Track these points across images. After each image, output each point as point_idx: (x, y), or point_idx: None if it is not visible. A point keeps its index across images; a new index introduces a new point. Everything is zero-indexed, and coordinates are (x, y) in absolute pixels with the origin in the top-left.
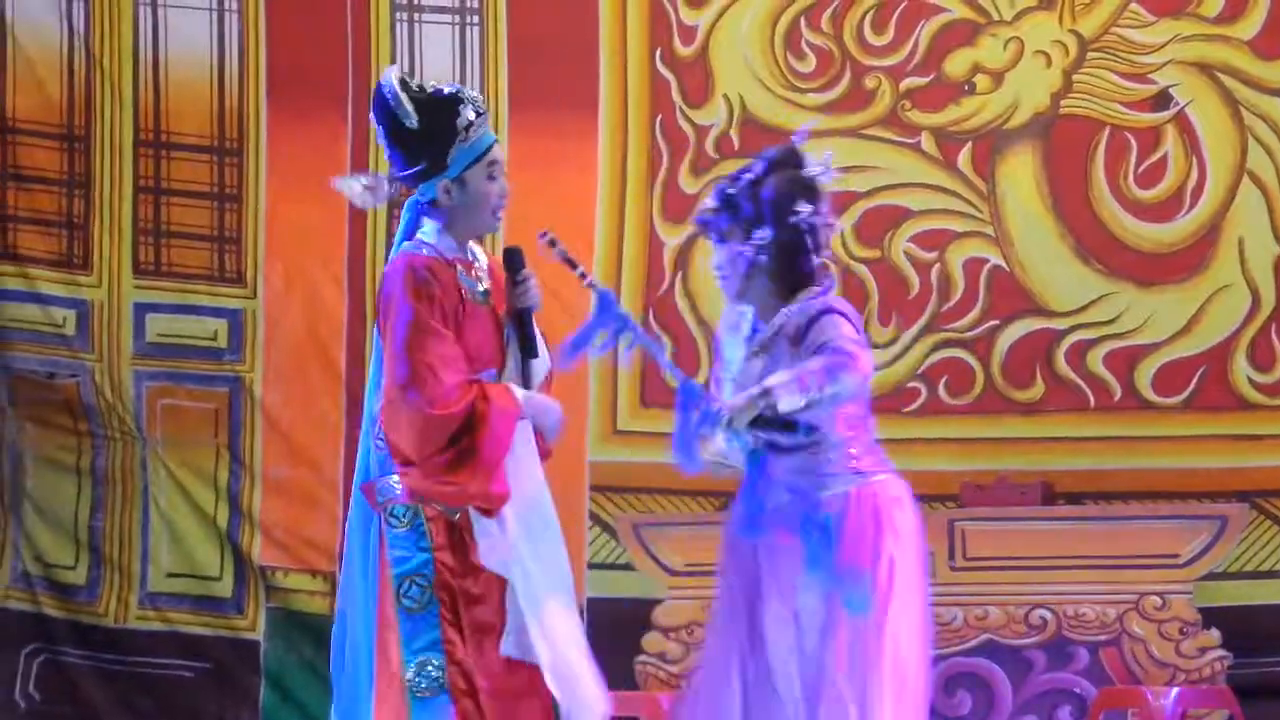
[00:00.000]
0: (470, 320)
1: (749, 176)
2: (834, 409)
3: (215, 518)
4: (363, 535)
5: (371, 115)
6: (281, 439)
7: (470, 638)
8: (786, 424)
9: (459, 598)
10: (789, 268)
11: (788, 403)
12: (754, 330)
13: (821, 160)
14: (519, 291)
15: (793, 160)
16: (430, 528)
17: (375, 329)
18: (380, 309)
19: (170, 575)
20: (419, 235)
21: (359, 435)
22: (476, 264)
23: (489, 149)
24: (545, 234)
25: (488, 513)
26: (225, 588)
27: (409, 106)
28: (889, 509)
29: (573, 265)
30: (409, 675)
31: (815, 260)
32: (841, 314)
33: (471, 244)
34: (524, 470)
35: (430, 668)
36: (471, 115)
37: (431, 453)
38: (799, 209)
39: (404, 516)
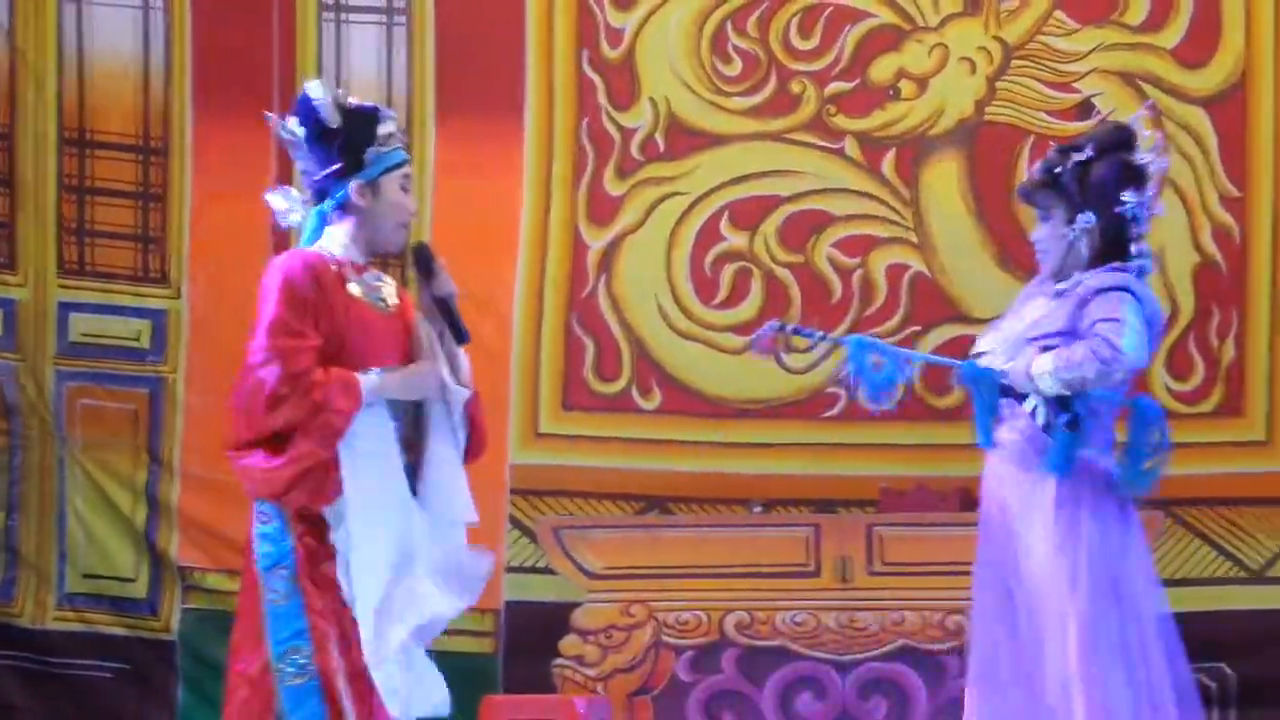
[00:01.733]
0: (358, 323)
1: (1079, 157)
2: (1092, 397)
3: (133, 519)
4: None
5: (293, 119)
6: (203, 440)
7: (334, 623)
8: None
9: (321, 583)
10: (1107, 251)
11: (1049, 386)
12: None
13: (1154, 145)
14: (437, 283)
15: (1124, 143)
16: (291, 518)
17: None
18: (259, 298)
19: (87, 576)
20: (320, 242)
21: None
22: (382, 282)
23: (404, 163)
24: (776, 328)
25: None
26: (140, 589)
27: (333, 108)
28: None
29: (807, 334)
30: (277, 665)
31: (1135, 245)
32: (1135, 296)
33: (377, 270)
34: (369, 464)
35: (298, 655)
36: (391, 127)
37: (250, 439)
38: (1125, 197)
39: (270, 510)
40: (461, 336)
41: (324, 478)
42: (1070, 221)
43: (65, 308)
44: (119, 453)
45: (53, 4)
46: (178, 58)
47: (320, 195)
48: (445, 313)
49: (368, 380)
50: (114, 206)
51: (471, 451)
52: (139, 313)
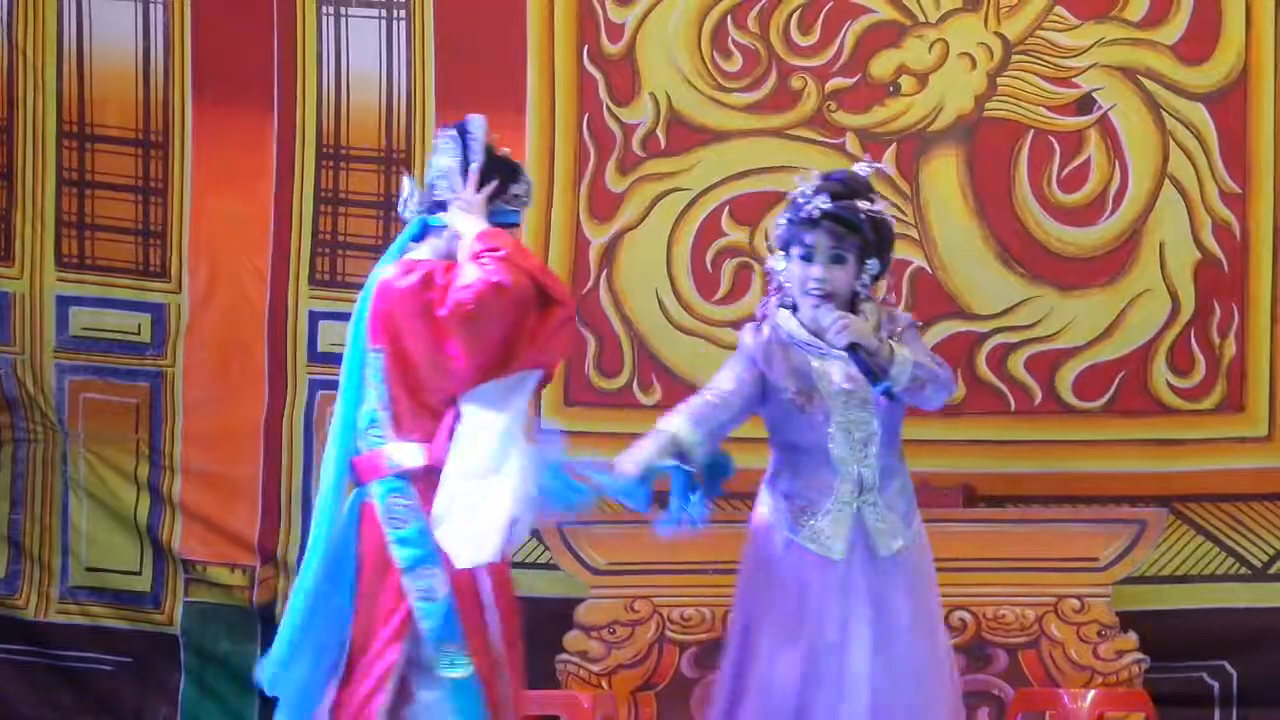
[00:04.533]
0: None
1: (870, 207)
2: (917, 401)
3: (135, 512)
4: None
5: (453, 135)
6: (203, 434)
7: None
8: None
9: (465, 583)
10: (859, 294)
11: (900, 367)
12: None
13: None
14: None
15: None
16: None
17: (352, 331)
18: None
19: (90, 569)
20: (418, 252)
21: (279, 430)
22: None
23: (513, 226)
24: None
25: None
26: (144, 582)
27: (482, 149)
28: None
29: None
30: (441, 662)
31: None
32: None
33: None
34: None
35: (456, 651)
36: (522, 191)
37: None
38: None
39: (407, 516)
40: None
41: None
42: (861, 267)
43: (65, 301)
44: (121, 446)
45: None
46: (178, 51)
47: (436, 206)
48: None
49: None
50: (114, 200)
51: None
52: (139, 306)
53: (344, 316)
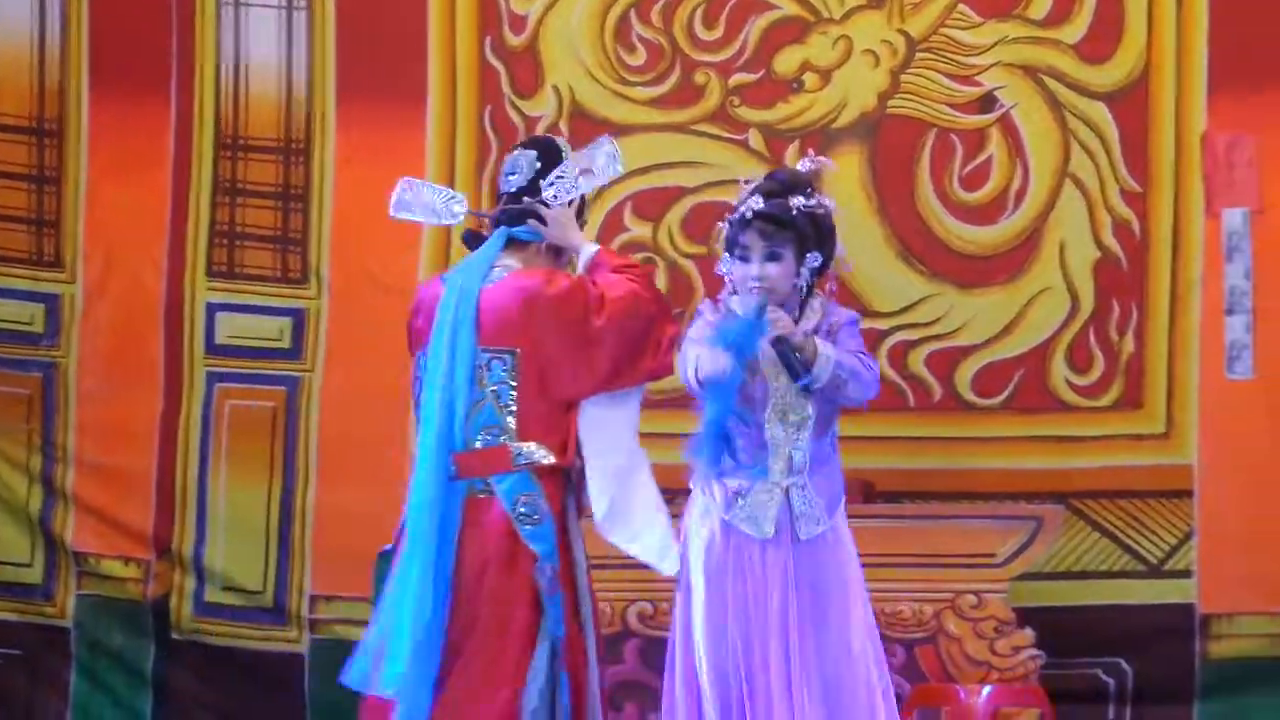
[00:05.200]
0: None
1: (804, 202)
2: (838, 398)
3: (27, 503)
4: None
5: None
6: (97, 425)
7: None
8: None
9: (570, 586)
10: (811, 288)
11: (822, 366)
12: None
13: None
14: None
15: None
16: (558, 525)
17: (452, 332)
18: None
19: None
20: (506, 261)
21: (175, 422)
22: None
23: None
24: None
25: None
26: (35, 574)
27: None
28: None
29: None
30: (548, 652)
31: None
32: (859, 328)
33: None
34: None
35: (558, 644)
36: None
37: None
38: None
39: (538, 513)
40: None
41: None
42: (800, 262)
43: None
44: (12, 438)
45: None
46: (75, 39)
47: (512, 218)
48: None
49: None
50: (7, 189)
51: None
52: (32, 296)
53: (241, 308)
